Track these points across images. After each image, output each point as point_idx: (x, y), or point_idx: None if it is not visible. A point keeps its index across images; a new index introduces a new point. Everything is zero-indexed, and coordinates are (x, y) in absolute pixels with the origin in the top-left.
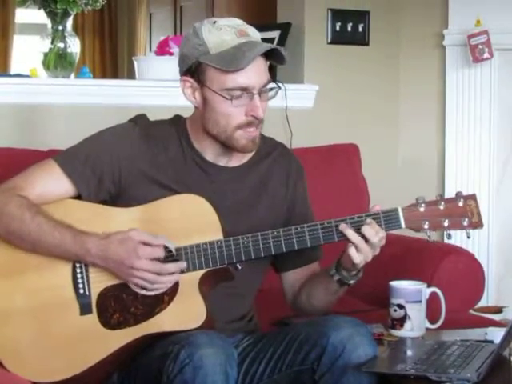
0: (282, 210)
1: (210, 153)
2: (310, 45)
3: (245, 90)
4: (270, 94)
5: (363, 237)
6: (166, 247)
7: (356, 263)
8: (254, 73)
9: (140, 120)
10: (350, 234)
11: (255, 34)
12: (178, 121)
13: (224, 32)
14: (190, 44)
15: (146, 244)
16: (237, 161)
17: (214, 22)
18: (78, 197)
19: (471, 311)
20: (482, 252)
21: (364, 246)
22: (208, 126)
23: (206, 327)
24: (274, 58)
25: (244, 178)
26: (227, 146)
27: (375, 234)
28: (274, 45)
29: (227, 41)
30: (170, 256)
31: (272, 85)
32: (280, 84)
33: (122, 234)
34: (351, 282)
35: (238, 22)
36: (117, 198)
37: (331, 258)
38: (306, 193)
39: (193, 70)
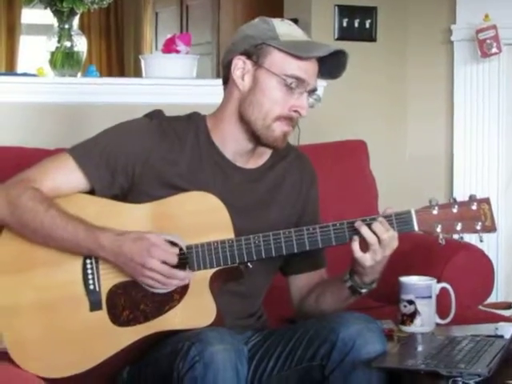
0: (293, 215)
1: (230, 150)
2: (317, 41)
3: (302, 82)
4: (310, 101)
5: (374, 234)
6: (179, 249)
7: (363, 261)
8: (313, 71)
9: (156, 115)
10: (364, 230)
11: None
12: (196, 117)
13: (294, 29)
14: (258, 28)
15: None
16: (253, 163)
17: (282, 20)
18: (91, 191)
19: (481, 307)
20: (492, 248)
21: (374, 242)
22: (247, 111)
23: (216, 325)
24: (325, 73)
25: (258, 180)
26: (256, 138)
27: (385, 231)
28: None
29: (297, 36)
30: (180, 254)
31: (318, 92)
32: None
33: (138, 232)
34: (363, 290)
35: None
36: (128, 193)
37: (342, 266)
38: (318, 200)
39: (252, 52)
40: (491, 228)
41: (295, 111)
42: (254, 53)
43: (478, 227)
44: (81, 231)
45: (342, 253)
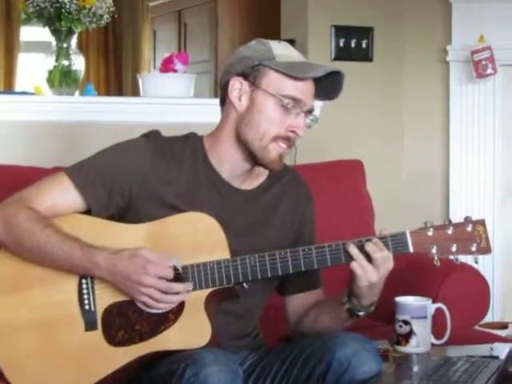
0: (290, 236)
1: (226, 170)
2: (314, 61)
3: (298, 102)
4: (307, 121)
5: (366, 255)
6: (174, 267)
7: (358, 283)
8: (310, 92)
9: (153, 136)
10: (354, 251)
11: None
12: (193, 137)
13: (291, 50)
14: (255, 49)
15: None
16: (250, 184)
17: (279, 41)
18: (88, 210)
19: (476, 327)
20: (487, 268)
21: (366, 264)
22: (244, 131)
23: (211, 345)
24: (321, 94)
25: (255, 201)
26: (253, 158)
27: (378, 250)
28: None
29: (294, 57)
30: (176, 274)
31: (315, 113)
32: (317, 118)
33: (131, 250)
34: (361, 313)
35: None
36: (125, 213)
37: (338, 284)
38: (314, 221)
39: (248, 73)
40: (486, 249)
41: (292, 131)
42: (251, 74)
43: (473, 248)
44: (76, 250)
45: (339, 272)
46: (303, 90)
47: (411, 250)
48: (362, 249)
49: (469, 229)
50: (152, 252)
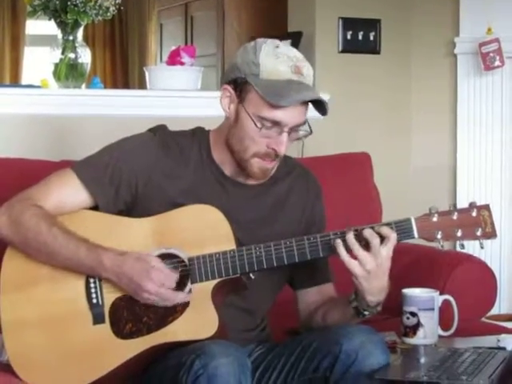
0: (298, 231)
1: (228, 168)
2: (321, 54)
3: (277, 124)
4: (299, 134)
5: (366, 243)
6: (182, 262)
7: (352, 268)
8: (292, 112)
9: (160, 130)
10: (349, 237)
11: (309, 73)
12: (200, 132)
13: (280, 61)
14: (245, 58)
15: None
16: (255, 179)
17: (276, 47)
18: (96, 207)
19: (483, 319)
20: (495, 260)
21: (361, 252)
22: (232, 141)
23: (219, 337)
24: (316, 105)
25: (261, 196)
26: (241, 167)
27: (376, 237)
28: (320, 97)
29: (280, 72)
30: (182, 266)
31: (305, 128)
32: (311, 129)
33: (139, 253)
34: (366, 313)
35: (297, 56)
36: (133, 208)
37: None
38: (324, 214)
39: (237, 84)
40: (491, 234)
41: (273, 149)
42: (239, 85)
43: (479, 233)
44: (82, 250)
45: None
46: (284, 112)
47: (416, 236)
48: (360, 237)
49: (474, 214)
50: (159, 260)
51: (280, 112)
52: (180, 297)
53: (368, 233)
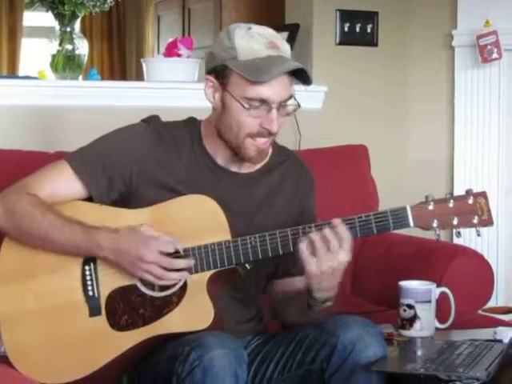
0: (290, 220)
1: (221, 157)
2: (318, 46)
3: (264, 102)
4: (288, 109)
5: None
6: (176, 250)
7: (309, 270)
8: (277, 87)
9: (153, 121)
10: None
11: (285, 48)
12: (192, 123)
13: (255, 40)
14: (221, 45)
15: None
16: (248, 167)
17: (249, 28)
18: (89, 197)
19: (480, 311)
20: (492, 253)
21: (322, 252)
22: (221, 130)
23: (215, 328)
24: (299, 77)
25: (254, 185)
26: (236, 154)
27: (333, 236)
28: (301, 65)
29: (257, 50)
30: (178, 257)
31: (292, 101)
32: (299, 103)
33: (131, 227)
34: (315, 308)
35: (271, 33)
36: (127, 198)
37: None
38: (314, 206)
39: (218, 71)
40: (488, 221)
41: (265, 128)
42: (219, 73)
43: (475, 221)
44: (78, 232)
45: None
46: (268, 88)
47: (412, 224)
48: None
49: (470, 201)
50: (151, 229)
51: (264, 88)
52: (182, 263)
53: (327, 232)
